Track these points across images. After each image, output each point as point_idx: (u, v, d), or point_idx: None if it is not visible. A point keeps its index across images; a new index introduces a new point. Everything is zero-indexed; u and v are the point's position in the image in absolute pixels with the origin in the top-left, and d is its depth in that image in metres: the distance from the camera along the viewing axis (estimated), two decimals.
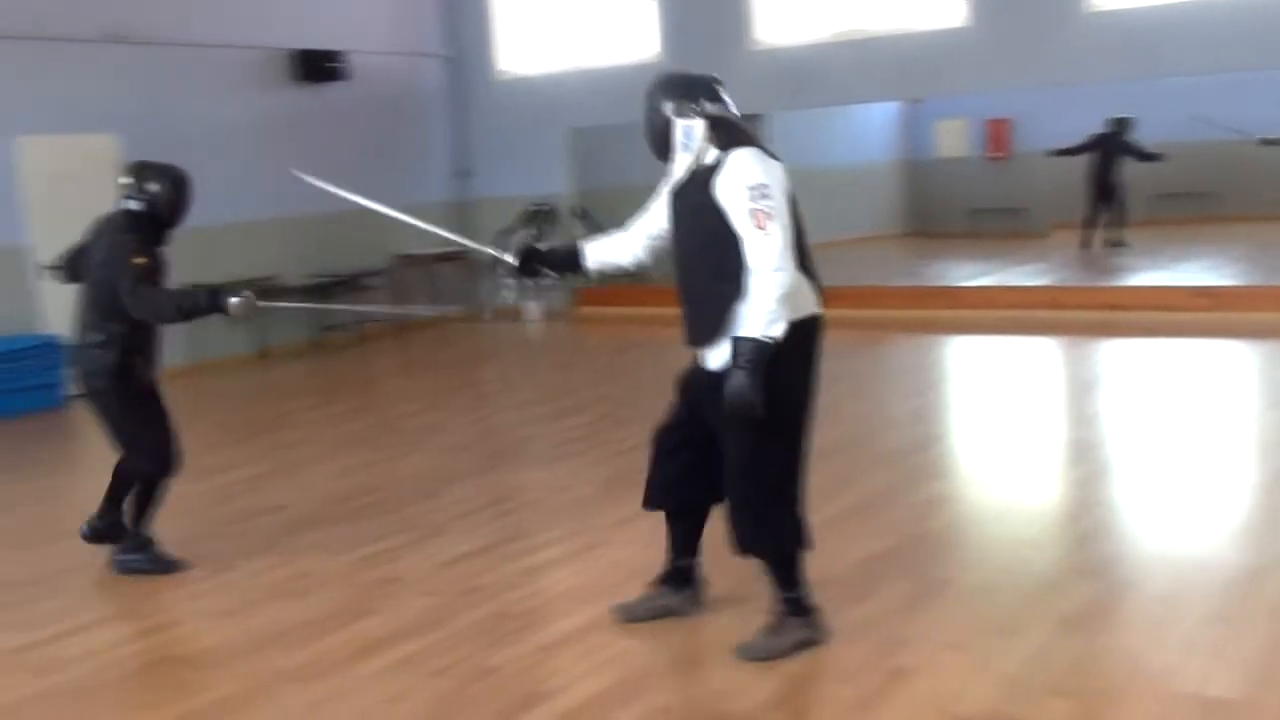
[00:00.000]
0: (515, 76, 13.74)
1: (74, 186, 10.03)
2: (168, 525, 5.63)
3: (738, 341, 3.78)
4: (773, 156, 3.89)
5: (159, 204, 5.24)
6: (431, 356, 11.71)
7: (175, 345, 10.65)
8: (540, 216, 13.32)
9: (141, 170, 5.31)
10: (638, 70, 12.80)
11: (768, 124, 12.73)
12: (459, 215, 13.84)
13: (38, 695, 4.22)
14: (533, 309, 13.12)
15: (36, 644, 4.66)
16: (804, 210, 3.96)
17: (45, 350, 9.50)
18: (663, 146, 4.02)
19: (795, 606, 4.08)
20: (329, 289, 11.70)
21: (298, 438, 8.30)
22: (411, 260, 12.99)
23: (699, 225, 3.91)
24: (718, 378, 3.88)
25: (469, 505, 6.18)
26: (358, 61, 12.49)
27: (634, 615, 4.43)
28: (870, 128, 18.62)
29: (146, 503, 5.45)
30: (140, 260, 5.10)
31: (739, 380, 3.74)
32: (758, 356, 3.73)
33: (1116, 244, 14.09)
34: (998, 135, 18.33)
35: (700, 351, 4.05)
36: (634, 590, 4.55)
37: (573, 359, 11.36)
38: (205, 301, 5.16)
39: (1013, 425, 7.35)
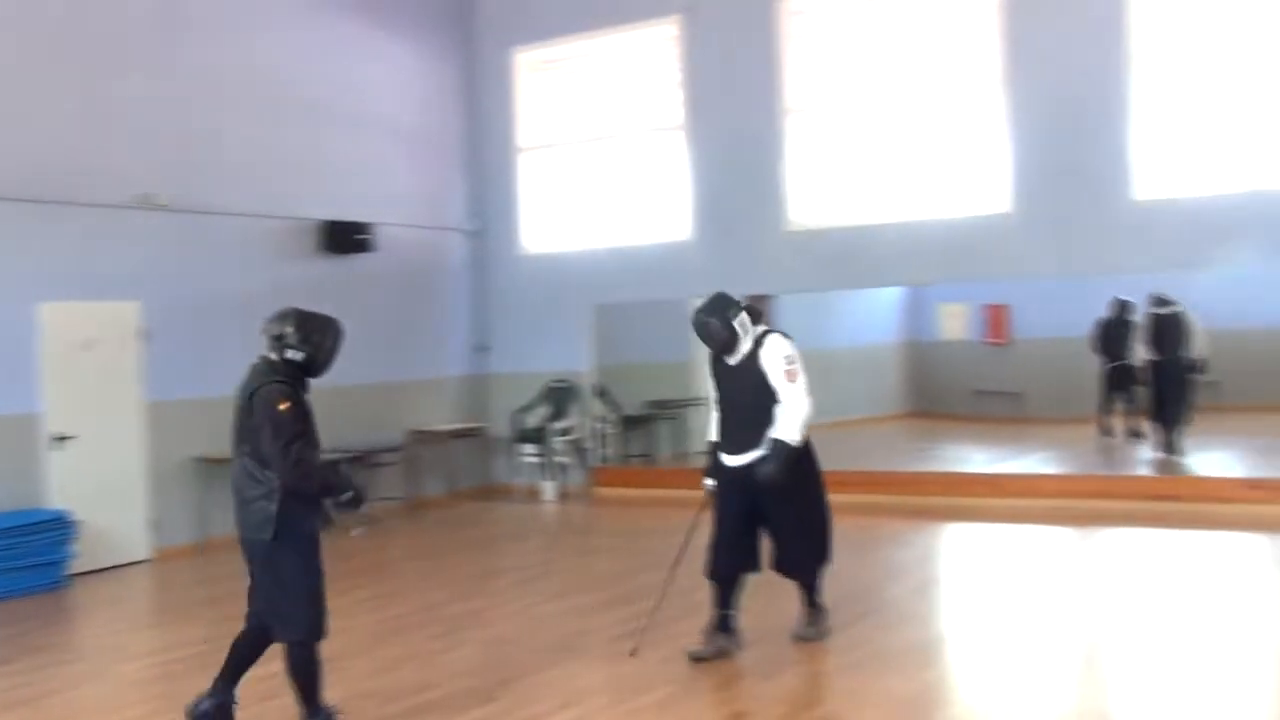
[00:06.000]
0: (539, 253, 13.60)
1: (90, 354, 9.74)
2: None
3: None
4: None
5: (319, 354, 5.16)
6: (450, 537, 11.17)
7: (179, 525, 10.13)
8: (559, 394, 13.01)
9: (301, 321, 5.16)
10: (668, 249, 12.66)
11: (777, 305, 12.61)
12: (477, 391, 13.54)
13: None
14: (549, 489, 12.70)
15: None
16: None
17: (53, 526, 8.96)
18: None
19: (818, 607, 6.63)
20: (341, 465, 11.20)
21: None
22: (427, 436, 12.60)
23: None
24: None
25: (538, 709, 5.66)
26: (385, 234, 12.31)
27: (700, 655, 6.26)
28: (876, 309, 18.65)
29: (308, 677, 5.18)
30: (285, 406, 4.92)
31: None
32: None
33: (1137, 434, 13.81)
34: (996, 321, 18.36)
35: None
36: None
37: (596, 543, 10.86)
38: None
39: (1023, 621, 7.01)
